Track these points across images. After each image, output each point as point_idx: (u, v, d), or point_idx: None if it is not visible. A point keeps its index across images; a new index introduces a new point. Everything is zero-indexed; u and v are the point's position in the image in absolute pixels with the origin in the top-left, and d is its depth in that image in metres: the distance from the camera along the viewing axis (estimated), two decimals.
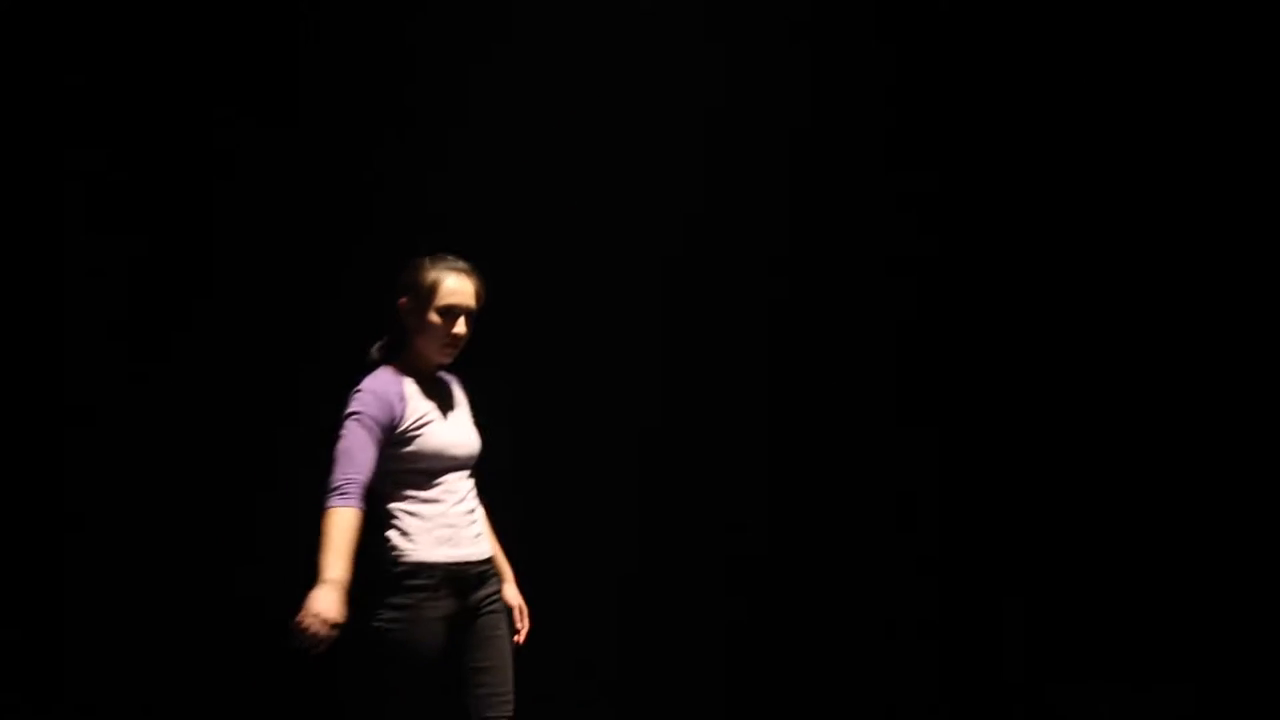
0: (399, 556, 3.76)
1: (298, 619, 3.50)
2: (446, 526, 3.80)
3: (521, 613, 4.03)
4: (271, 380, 5.53)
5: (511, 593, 4.02)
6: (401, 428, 3.77)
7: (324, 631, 3.50)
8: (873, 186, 5.83)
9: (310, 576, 3.57)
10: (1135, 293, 5.69)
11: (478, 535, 3.88)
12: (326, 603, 3.52)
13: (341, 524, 3.62)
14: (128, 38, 5.52)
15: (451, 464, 3.85)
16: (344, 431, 3.72)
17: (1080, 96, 5.69)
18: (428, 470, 3.81)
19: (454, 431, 3.88)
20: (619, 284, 5.74)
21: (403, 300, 3.88)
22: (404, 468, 3.79)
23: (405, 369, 3.87)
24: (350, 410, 3.75)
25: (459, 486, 3.87)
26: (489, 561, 3.91)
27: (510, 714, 3.86)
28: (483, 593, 3.83)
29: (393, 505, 3.79)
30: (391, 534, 3.78)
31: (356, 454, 3.69)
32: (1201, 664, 5.45)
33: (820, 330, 5.82)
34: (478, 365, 4.04)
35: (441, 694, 3.78)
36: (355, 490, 3.65)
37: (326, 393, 5.38)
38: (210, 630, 5.44)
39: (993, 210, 5.79)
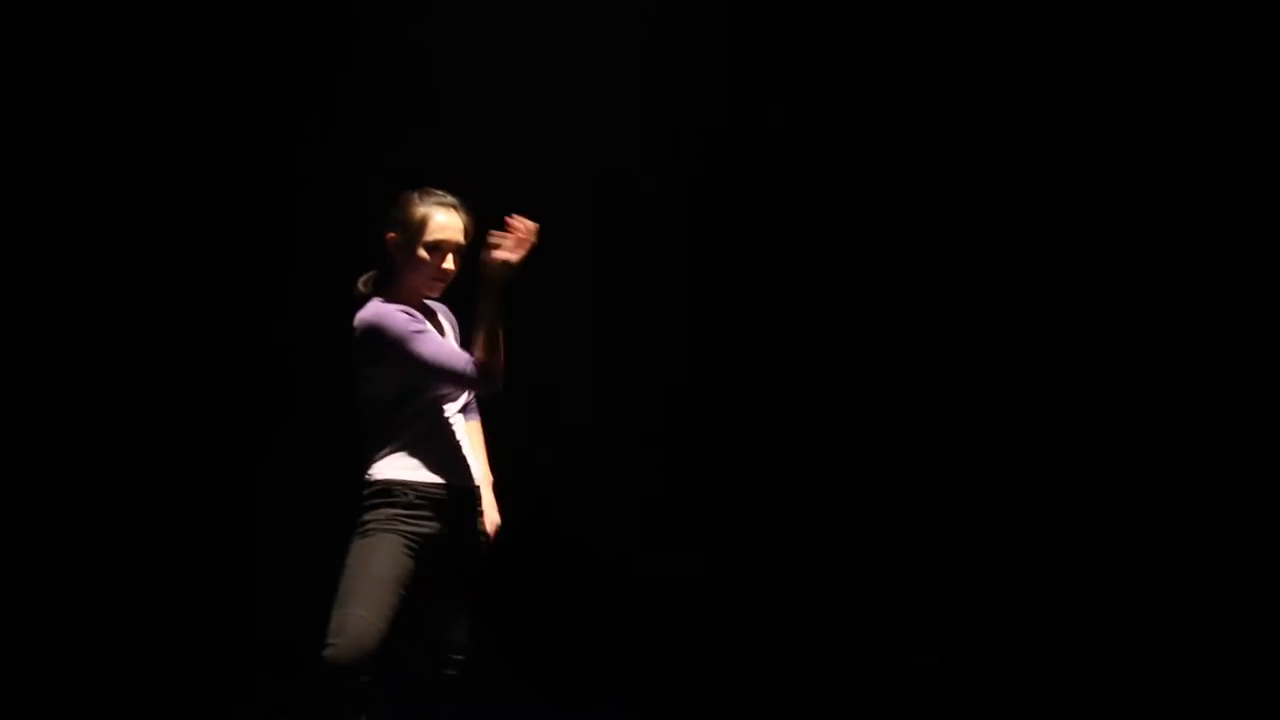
0: (390, 476, 3.76)
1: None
2: (438, 449, 3.80)
3: (492, 523, 3.99)
4: (271, 379, 5.54)
5: (488, 500, 3.99)
6: None
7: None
8: (870, 185, 5.83)
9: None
10: (1132, 292, 5.69)
11: (467, 461, 3.87)
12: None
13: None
14: (127, 37, 5.55)
15: (450, 389, 3.85)
16: (418, 345, 3.70)
17: (1083, 93, 5.70)
18: (430, 393, 3.80)
19: None
20: (608, 275, 5.72)
21: (391, 235, 3.85)
22: (406, 390, 3.78)
23: (396, 301, 3.84)
24: (407, 330, 3.72)
25: (451, 410, 3.87)
26: (476, 489, 3.90)
27: (466, 642, 3.87)
28: (467, 519, 3.83)
29: (387, 426, 3.79)
30: (384, 453, 3.78)
31: (446, 348, 3.74)
32: (1201, 663, 5.46)
33: (818, 328, 5.82)
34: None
35: (412, 613, 3.75)
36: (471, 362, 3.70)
37: (325, 391, 5.45)
38: (209, 631, 5.43)
39: (982, 208, 5.79)
